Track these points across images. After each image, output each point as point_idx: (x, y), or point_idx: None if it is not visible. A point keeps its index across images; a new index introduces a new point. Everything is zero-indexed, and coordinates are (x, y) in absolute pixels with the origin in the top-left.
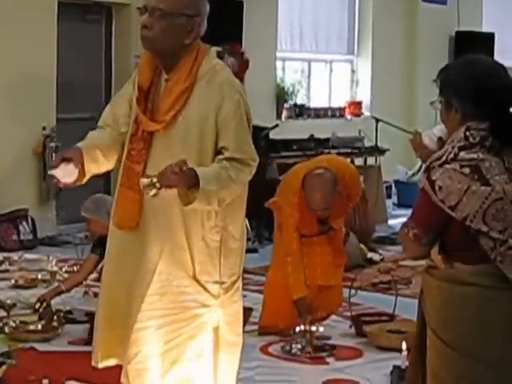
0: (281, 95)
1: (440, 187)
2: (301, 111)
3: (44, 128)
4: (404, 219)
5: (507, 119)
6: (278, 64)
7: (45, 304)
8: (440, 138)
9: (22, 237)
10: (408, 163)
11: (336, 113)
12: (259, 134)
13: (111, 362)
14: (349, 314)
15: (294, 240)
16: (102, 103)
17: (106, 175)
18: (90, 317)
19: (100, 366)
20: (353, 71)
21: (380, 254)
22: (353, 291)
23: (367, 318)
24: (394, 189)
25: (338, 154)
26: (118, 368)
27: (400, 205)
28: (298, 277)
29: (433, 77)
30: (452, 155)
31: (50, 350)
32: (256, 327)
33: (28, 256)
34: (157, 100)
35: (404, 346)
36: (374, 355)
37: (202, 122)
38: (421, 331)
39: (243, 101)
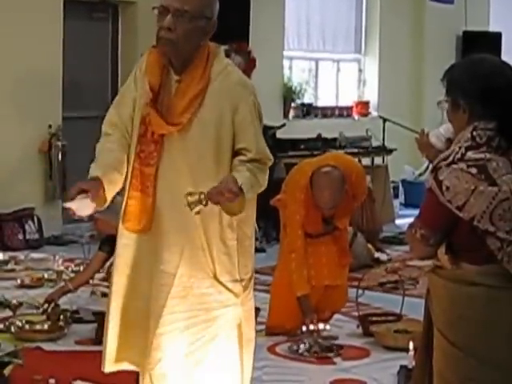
0: (288, 94)
1: (447, 187)
2: (308, 110)
3: (50, 126)
4: (411, 219)
5: None
6: (285, 63)
7: (53, 304)
8: (449, 139)
9: (27, 236)
10: (415, 163)
11: (343, 112)
12: (266, 134)
13: (122, 367)
14: (356, 313)
15: (298, 237)
16: (108, 102)
17: None
18: (97, 316)
19: (112, 370)
20: (360, 70)
21: (387, 254)
22: (360, 291)
23: (374, 318)
24: (401, 188)
25: (347, 153)
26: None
27: (407, 205)
28: (301, 274)
29: (440, 76)
30: (459, 155)
31: (57, 350)
32: (263, 327)
33: (34, 255)
34: (167, 101)
35: (411, 345)
36: (380, 355)
37: (218, 123)
38: (427, 331)
39: (257, 102)
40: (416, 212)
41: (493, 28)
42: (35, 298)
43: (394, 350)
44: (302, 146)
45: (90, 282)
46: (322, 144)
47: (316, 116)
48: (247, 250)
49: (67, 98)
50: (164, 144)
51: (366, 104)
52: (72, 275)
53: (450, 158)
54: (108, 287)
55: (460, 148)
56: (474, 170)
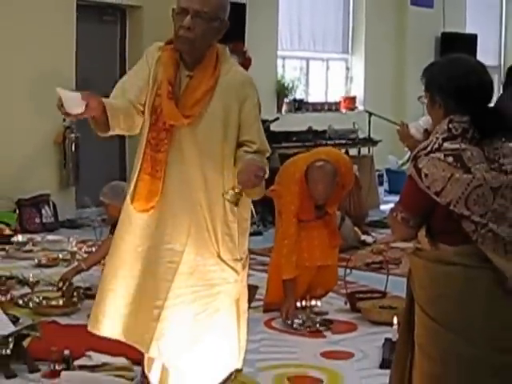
0: (281, 91)
1: (426, 174)
2: (299, 105)
3: (64, 120)
4: (393, 205)
5: (486, 113)
6: (279, 62)
7: (67, 283)
8: (426, 130)
9: (44, 220)
10: (398, 153)
11: (332, 107)
12: None
13: (116, 337)
14: (344, 291)
15: (292, 225)
16: None
17: (122, 163)
18: None
19: (102, 334)
20: (347, 69)
21: (373, 237)
22: (348, 270)
23: (361, 295)
24: (385, 177)
25: (334, 144)
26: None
27: (391, 191)
28: (289, 259)
29: (420, 74)
30: (437, 145)
31: (71, 324)
32: (261, 303)
33: (50, 237)
34: (177, 95)
35: (395, 320)
36: (367, 329)
37: (226, 116)
38: (409, 307)
39: (259, 99)
40: (398, 198)
41: (469, 30)
42: (51, 276)
43: (379, 324)
44: (294, 138)
45: (102, 261)
46: (312, 136)
47: (307, 110)
48: (245, 231)
49: None
50: (175, 133)
51: (352, 99)
52: (85, 256)
53: (429, 148)
54: None
55: (437, 139)
56: (450, 159)
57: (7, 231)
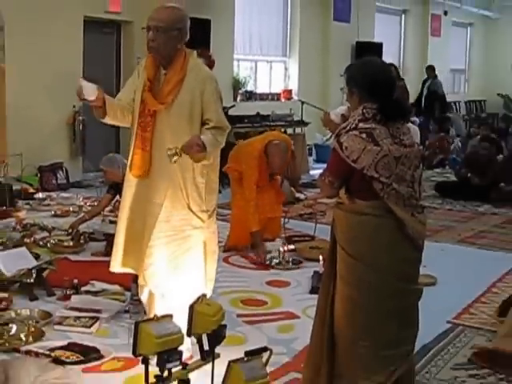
0: (236, 84)
1: (346, 147)
2: (250, 96)
3: (74, 106)
4: (321, 171)
5: (390, 103)
6: (235, 63)
7: (75, 229)
8: (343, 115)
9: (59, 181)
10: (323, 132)
11: (274, 97)
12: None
13: (125, 270)
14: (283, 235)
15: (253, 191)
16: (114, 91)
17: (117, 140)
18: (107, 236)
19: (116, 270)
20: (286, 68)
21: (304, 195)
22: (286, 220)
23: (296, 239)
24: (313, 149)
25: (276, 125)
26: (127, 273)
27: (318, 161)
28: (254, 216)
29: (341, 72)
30: (354, 125)
31: (79, 260)
32: (222, 244)
33: (63, 194)
34: (157, 88)
35: (321, 257)
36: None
37: (192, 103)
38: (332, 247)
39: (218, 87)
40: (324, 166)
41: (377, 39)
42: (64, 224)
43: (309, 260)
44: (246, 120)
45: (101, 213)
46: (259, 119)
47: (255, 99)
48: (212, 191)
49: None
50: (157, 117)
51: (289, 91)
52: (89, 208)
53: (348, 127)
54: (115, 217)
55: (354, 120)
56: (364, 135)
57: (31, 190)
